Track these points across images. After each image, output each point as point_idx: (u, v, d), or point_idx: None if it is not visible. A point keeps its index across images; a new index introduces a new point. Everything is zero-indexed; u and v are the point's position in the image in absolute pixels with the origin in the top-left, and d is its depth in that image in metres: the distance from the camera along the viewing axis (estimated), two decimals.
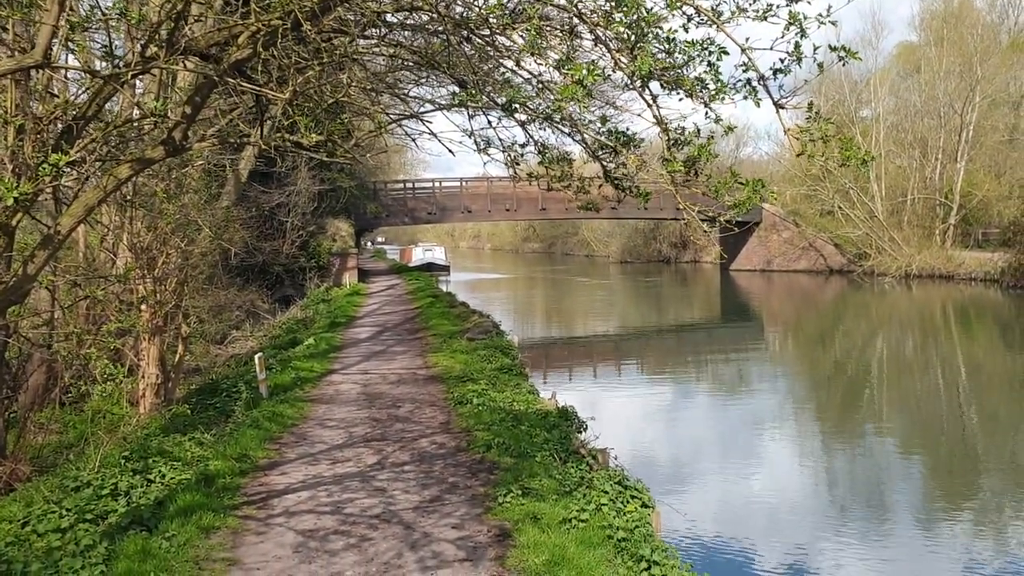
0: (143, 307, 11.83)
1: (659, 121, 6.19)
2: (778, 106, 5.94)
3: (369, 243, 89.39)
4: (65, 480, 8.27)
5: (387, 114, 7.14)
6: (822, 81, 54.77)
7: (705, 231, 6.45)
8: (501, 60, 7.31)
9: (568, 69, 5.00)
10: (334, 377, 16.58)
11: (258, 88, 5.14)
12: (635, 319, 42.10)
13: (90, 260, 16.24)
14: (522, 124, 7.51)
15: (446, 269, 65.63)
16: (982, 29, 56.34)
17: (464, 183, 52.10)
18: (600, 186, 7.24)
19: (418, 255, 68.06)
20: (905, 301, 44.93)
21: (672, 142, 6.11)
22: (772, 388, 23.61)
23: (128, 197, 10.77)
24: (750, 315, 43.18)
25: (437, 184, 52.13)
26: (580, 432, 12.14)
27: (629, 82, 6.00)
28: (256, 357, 14.42)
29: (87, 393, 9.28)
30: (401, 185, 52.90)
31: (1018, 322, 36.15)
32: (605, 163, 7.14)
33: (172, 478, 8.60)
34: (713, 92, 5.65)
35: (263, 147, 5.46)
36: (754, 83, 5.85)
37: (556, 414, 12.37)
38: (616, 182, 7.13)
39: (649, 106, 6.09)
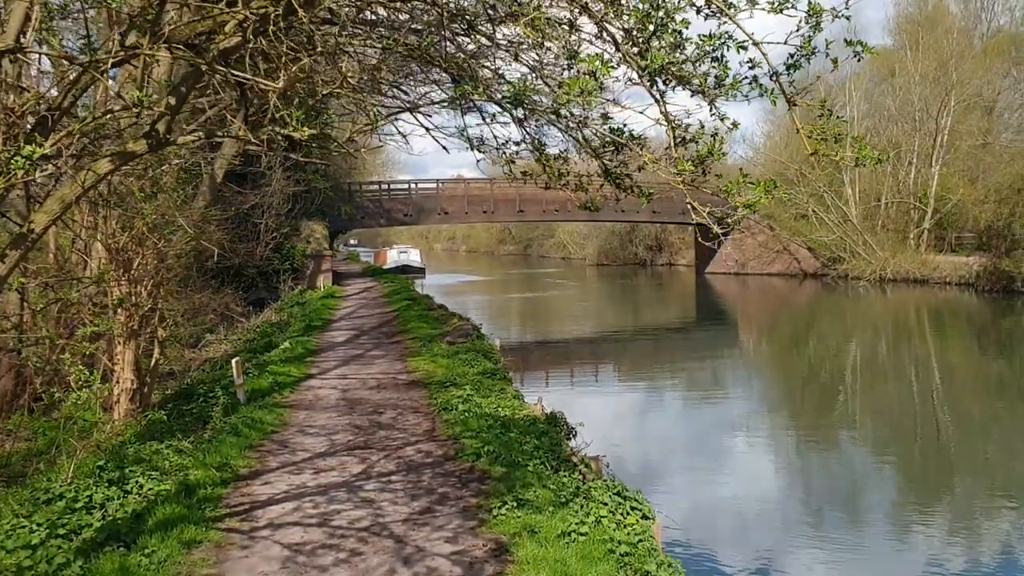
0: (118, 310, 11.43)
1: (666, 118, 5.93)
2: (791, 103, 5.70)
3: (342, 246, 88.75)
4: (36, 492, 7.88)
5: (383, 107, 6.81)
6: (798, 79, 54.66)
7: (718, 233, 6.16)
8: (497, 54, 7.03)
9: (580, 60, 4.71)
10: (312, 382, 16.20)
11: (250, 78, 4.82)
12: (612, 322, 41.95)
13: (61, 262, 15.79)
14: (519, 121, 7.23)
15: (421, 271, 65.16)
16: (956, 34, 56.74)
17: (441, 184, 51.78)
18: (601, 185, 6.97)
19: (393, 257, 67.56)
20: (880, 305, 45.11)
21: (679, 140, 5.85)
22: (751, 392, 23.53)
23: (103, 195, 10.37)
24: (726, 318, 43.20)
25: (413, 185, 51.74)
26: (569, 438, 11.88)
27: (636, 77, 5.74)
28: (233, 361, 14.03)
29: (60, 400, 8.87)
30: (376, 186, 52.44)
31: (994, 326, 36.34)
32: (606, 161, 6.87)
33: (150, 489, 8.22)
34: (728, 87, 5.39)
35: (252, 142, 5.13)
36: (762, 79, 5.61)
37: (544, 420, 12.10)
38: (617, 181, 6.85)
39: (657, 102, 5.83)
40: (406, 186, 51.95)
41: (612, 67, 4.71)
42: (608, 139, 6.60)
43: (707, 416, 19.85)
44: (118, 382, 12.12)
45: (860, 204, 56.02)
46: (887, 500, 13.68)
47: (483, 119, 7.62)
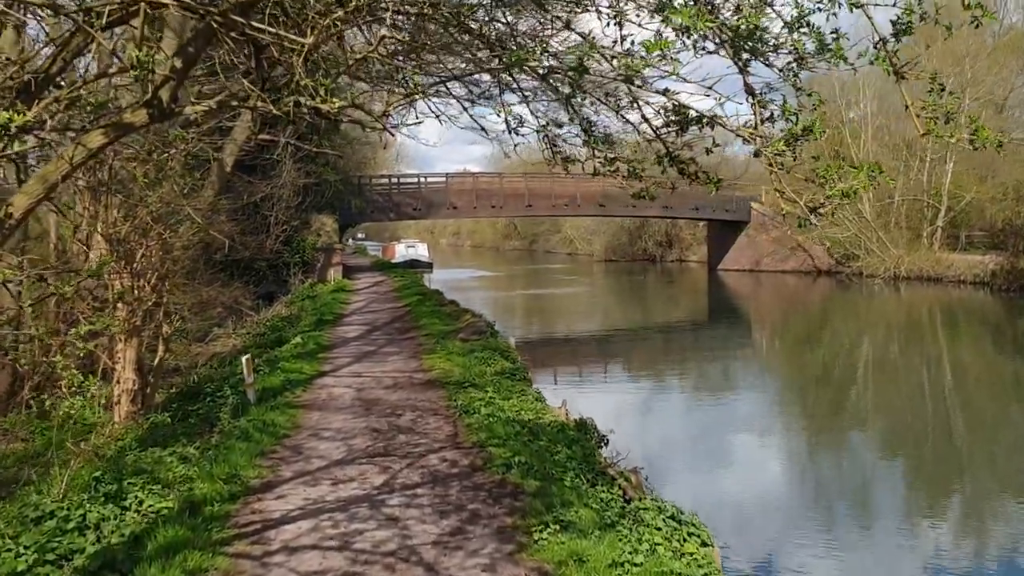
0: (119, 305, 10.66)
1: (750, 91, 5.12)
2: (899, 75, 4.90)
3: (350, 239, 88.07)
4: (25, 508, 7.10)
5: (425, 76, 6.01)
6: (810, 78, 54.12)
7: (813, 222, 5.35)
8: (546, 24, 6.23)
9: (673, 12, 3.90)
10: (326, 380, 15.42)
11: (274, 31, 4.03)
12: (625, 319, 41.11)
13: (61, 252, 15.03)
14: (567, 98, 6.42)
15: (429, 266, 64.40)
16: (969, 31, 55.68)
17: (449, 179, 50.97)
18: (663, 170, 6.15)
19: (401, 252, 66.81)
20: (894, 303, 44.28)
21: (767, 116, 5.05)
22: (777, 394, 22.81)
23: (103, 181, 9.59)
24: (743, 316, 42.35)
25: (423, 180, 50.97)
26: (601, 447, 11.10)
27: (717, 44, 4.94)
28: (243, 359, 13.25)
29: (53, 405, 8.11)
30: (386, 180, 51.71)
31: (1010, 325, 35.54)
32: (668, 143, 6.07)
33: (151, 506, 7.43)
34: (832, 55, 4.59)
35: (272, 113, 4.33)
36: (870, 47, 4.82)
37: (574, 427, 11.31)
38: (681, 166, 6.05)
39: (741, 72, 5.02)
40: (415, 180, 51.19)
41: (710, 22, 3.89)
42: (673, 118, 5.80)
43: (730, 418, 19.06)
44: (118, 382, 11.36)
45: (874, 202, 55.04)
46: (934, 505, 12.92)
47: (524, 98, 6.82)
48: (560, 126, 6.97)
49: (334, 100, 4.38)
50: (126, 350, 11.16)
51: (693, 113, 5.79)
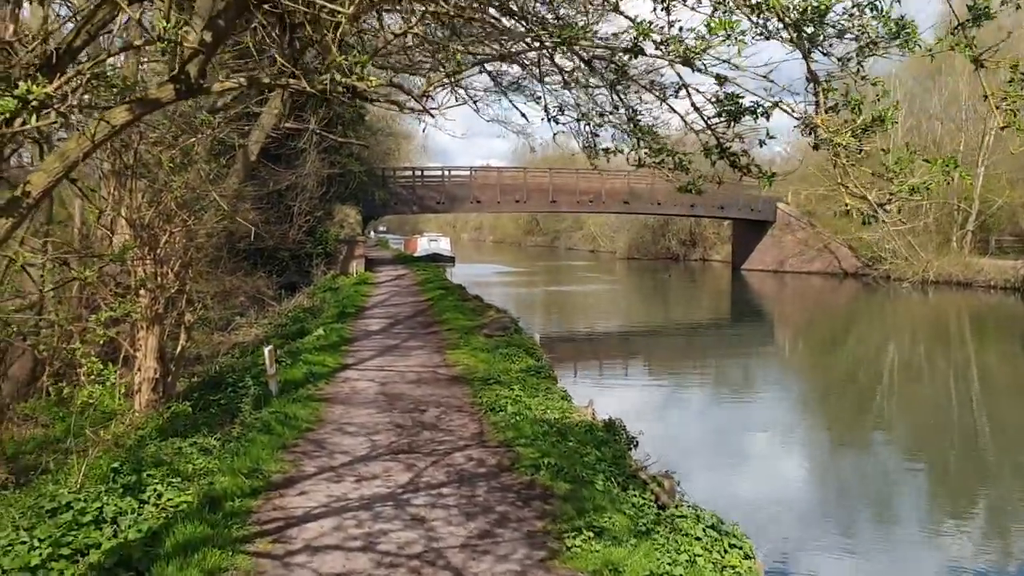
0: (141, 291, 10.45)
1: (813, 77, 4.81)
2: (978, 63, 4.57)
3: (371, 232, 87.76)
4: (41, 499, 6.89)
5: (470, 54, 5.71)
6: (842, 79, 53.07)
7: (882, 219, 5.02)
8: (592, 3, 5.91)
9: None
10: (349, 373, 15.19)
11: (308, 2, 3.75)
12: (649, 318, 40.72)
13: (85, 238, 14.88)
14: (612, 84, 6.12)
15: (451, 260, 64.14)
16: (1008, 32, 54.69)
17: (474, 172, 50.67)
18: (713, 163, 5.83)
19: (423, 245, 66.65)
20: (924, 307, 43.61)
21: (830, 106, 4.72)
22: (806, 396, 22.32)
23: (128, 165, 9.37)
24: (769, 317, 41.80)
25: (446, 173, 50.72)
26: (630, 448, 10.80)
27: (781, 28, 4.62)
28: (266, 350, 13.03)
29: (72, 392, 7.89)
30: (410, 173, 51.42)
31: None
32: (718, 134, 5.76)
33: (170, 500, 7.19)
34: (904, 42, 4.27)
35: (308, 91, 4.06)
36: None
37: (602, 428, 11.01)
38: (732, 158, 5.74)
39: (805, 57, 4.70)
40: (439, 173, 50.93)
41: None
42: (727, 107, 5.49)
43: (753, 419, 18.66)
44: (139, 370, 11.17)
45: (903, 204, 54.19)
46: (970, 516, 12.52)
47: (565, 84, 6.52)
48: (601, 115, 6.66)
49: (371, 78, 4.10)
50: (148, 338, 10.96)
51: (747, 102, 5.49)
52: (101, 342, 6.63)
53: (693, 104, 5.72)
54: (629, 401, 19.36)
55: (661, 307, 45.03)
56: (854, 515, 12.58)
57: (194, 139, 10.12)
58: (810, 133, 4.82)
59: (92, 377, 6.45)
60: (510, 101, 7.57)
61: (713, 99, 5.58)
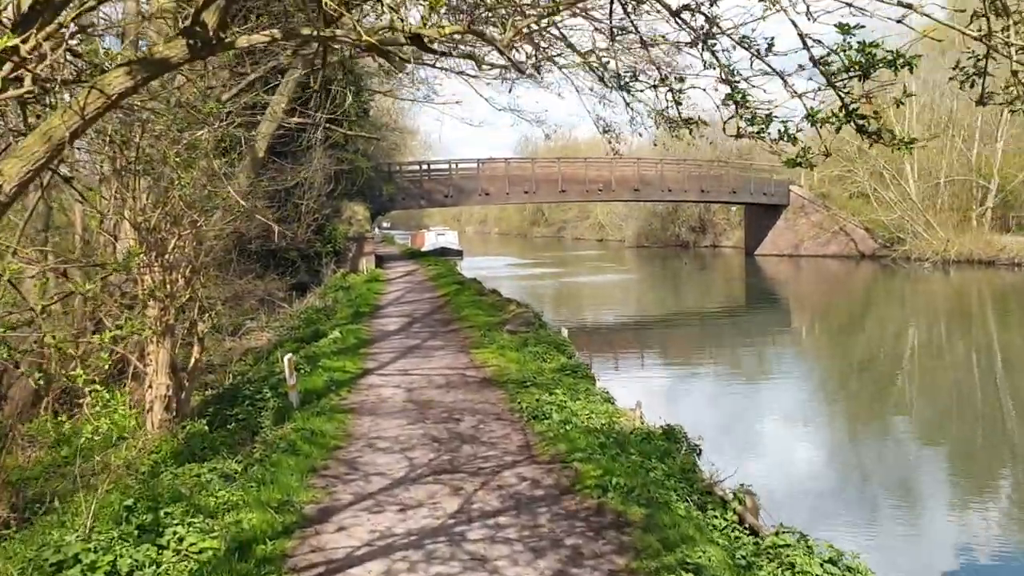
0: (150, 302, 9.48)
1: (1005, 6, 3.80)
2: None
3: (376, 228, 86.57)
4: (44, 549, 5.91)
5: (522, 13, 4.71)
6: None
7: None
8: None
9: None
10: (372, 379, 14.23)
11: None
12: (671, 307, 39.66)
13: (86, 245, 13.94)
14: (704, 37, 5.12)
15: (460, 254, 63.08)
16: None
17: (481, 164, 49.59)
18: (837, 128, 4.83)
19: (431, 240, 65.57)
20: (946, 287, 42.54)
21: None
22: (831, 382, 21.38)
23: (130, 161, 8.39)
24: (788, 303, 40.70)
25: (453, 166, 49.67)
26: (692, 456, 9.80)
27: None
28: (285, 359, 12.06)
29: (71, 431, 6.93)
30: (417, 167, 50.51)
31: None
32: (843, 94, 4.76)
33: (193, 544, 6.20)
34: None
35: (362, 41, 3.06)
36: None
37: (662, 436, 10.01)
38: (860, 122, 4.73)
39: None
40: (446, 167, 49.90)
41: None
42: (856, 59, 4.49)
43: (780, 406, 17.85)
44: (150, 387, 10.21)
45: (920, 182, 53.04)
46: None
47: (643, 42, 5.53)
48: (682, 79, 5.65)
49: (443, 24, 3.11)
50: (158, 351, 9.99)
51: (882, 53, 4.49)
52: (106, 366, 5.67)
53: (813, 58, 4.71)
54: (651, 393, 18.38)
55: (680, 295, 44.05)
56: (876, 498, 12.26)
57: (203, 131, 9.13)
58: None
59: (96, 410, 5.49)
60: (591, 65, 6.50)
61: (837, 49, 4.58)
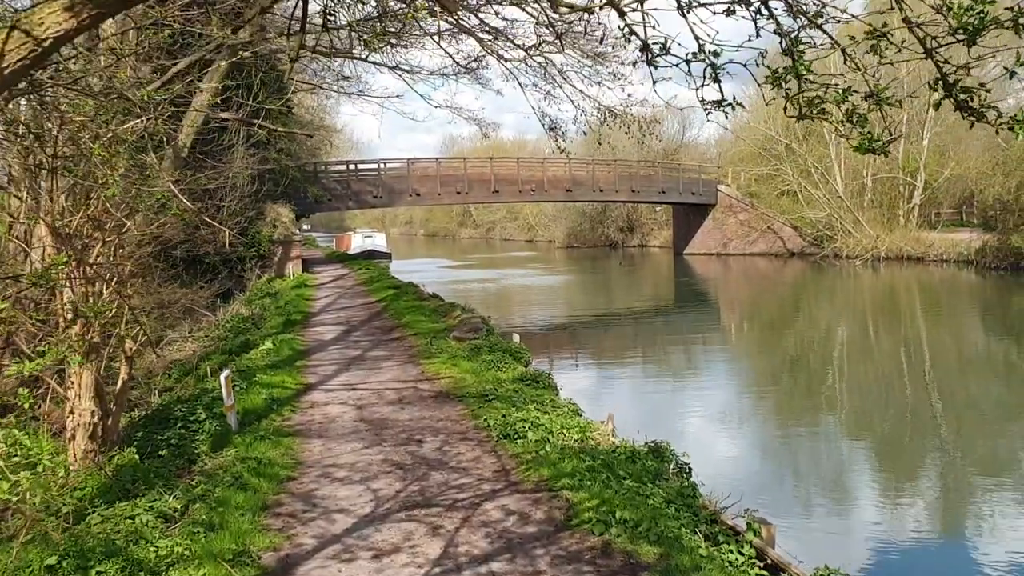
0: (71, 318, 8.25)
1: None
2: None
3: (296, 231, 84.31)
4: None
5: None
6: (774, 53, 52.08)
7: None
8: None
9: None
10: (315, 395, 13.12)
11: None
12: (608, 306, 39.08)
13: None
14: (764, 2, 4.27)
15: (388, 256, 61.71)
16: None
17: (411, 164, 48.38)
18: (937, 105, 4.02)
19: (358, 242, 64.03)
20: (876, 283, 42.92)
21: None
22: (760, 380, 20.99)
23: (49, 156, 7.19)
24: (719, 301, 40.49)
25: (382, 166, 48.27)
26: (689, 478, 8.99)
27: None
28: (222, 377, 10.87)
29: None
30: (344, 167, 48.95)
31: (1000, 304, 34.51)
32: (942, 65, 3.95)
33: None
34: None
35: None
36: None
37: (647, 454, 9.17)
38: (963, 98, 3.93)
39: None
40: (375, 167, 48.43)
41: None
42: (969, 19, 3.68)
43: (713, 405, 17.35)
44: (72, 413, 8.97)
45: (847, 180, 53.63)
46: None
47: (680, 5, 4.67)
48: (717, 54, 4.80)
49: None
50: (81, 373, 8.76)
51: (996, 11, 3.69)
52: (27, 405, 4.57)
53: (907, 19, 3.88)
54: (586, 394, 17.72)
55: (614, 295, 43.54)
56: (808, 492, 12.39)
57: (130, 123, 7.96)
58: None
59: (15, 460, 4.38)
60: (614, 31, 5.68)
61: (942, 7, 3.77)
